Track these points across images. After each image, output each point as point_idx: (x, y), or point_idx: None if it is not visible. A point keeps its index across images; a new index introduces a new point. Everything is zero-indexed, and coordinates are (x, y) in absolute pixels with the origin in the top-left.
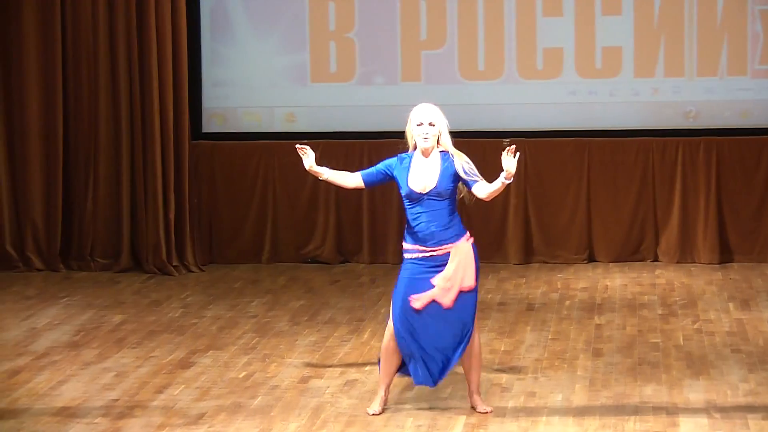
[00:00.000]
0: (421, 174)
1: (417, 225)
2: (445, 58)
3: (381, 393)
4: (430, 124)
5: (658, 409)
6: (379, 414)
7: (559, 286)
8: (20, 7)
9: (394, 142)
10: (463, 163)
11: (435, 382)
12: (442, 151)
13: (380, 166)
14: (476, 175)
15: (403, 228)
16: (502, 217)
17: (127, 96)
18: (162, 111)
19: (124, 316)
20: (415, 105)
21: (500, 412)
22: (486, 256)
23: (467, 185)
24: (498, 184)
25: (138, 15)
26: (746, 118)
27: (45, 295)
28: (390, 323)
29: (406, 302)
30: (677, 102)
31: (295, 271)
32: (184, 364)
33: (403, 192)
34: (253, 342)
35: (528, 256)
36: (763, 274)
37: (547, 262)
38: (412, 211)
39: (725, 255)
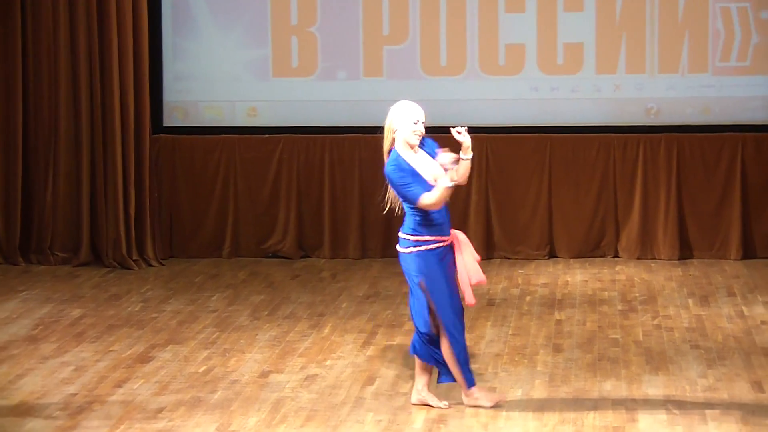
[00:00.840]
0: (425, 166)
1: (435, 214)
2: (408, 54)
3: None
4: (423, 123)
5: (617, 405)
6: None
7: (519, 282)
8: None
9: (355, 137)
10: (434, 145)
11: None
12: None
13: (409, 179)
14: None
15: (361, 223)
16: (463, 212)
17: (87, 89)
18: (123, 105)
19: (84, 310)
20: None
21: (460, 407)
22: None
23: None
24: (463, 163)
25: (99, 8)
26: (707, 115)
27: (3, 289)
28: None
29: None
30: (639, 98)
31: (255, 265)
32: (144, 359)
33: (423, 189)
34: (213, 336)
35: (489, 251)
36: (722, 271)
37: (508, 258)
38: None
39: (685, 251)
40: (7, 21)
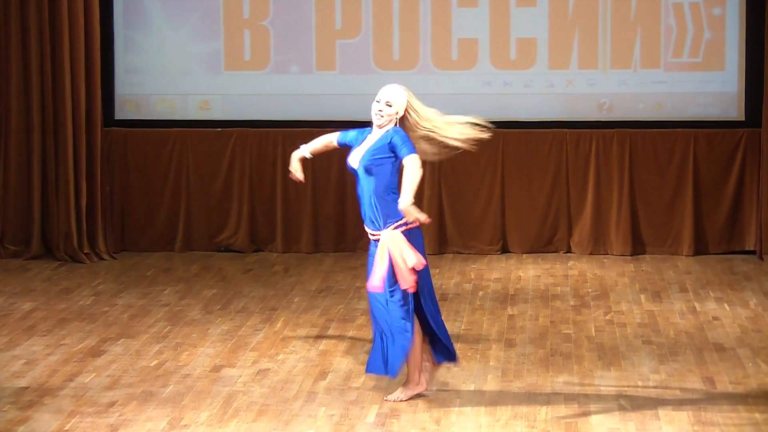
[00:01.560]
0: (361, 149)
1: (360, 203)
2: (360, 48)
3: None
4: (387, 104)
5: (569, 400)
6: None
7: (472, 277)
8: None
9: (308, 131)
10: (398, 136)
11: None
12: (392, 129)
13: (345, 133)
14: (410, 150)
15: (314, 217)
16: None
17: (38, 82)
18: (74, 97)
19: (35, 304)
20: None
21: (413, 402)
22: None
23: (398, 155)
24: (405, 191)
25: (50, 1)
26: (659, 110)
27: None
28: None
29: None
30: (591, 94)
31: (208, 259)
32: (95, 352)
33: (350, 167)
34: (165, 330)
35: (442, 246)
36: (674, 266)
37: (461, 253)
38: (359, 189)
39: (637, 247)
40: None
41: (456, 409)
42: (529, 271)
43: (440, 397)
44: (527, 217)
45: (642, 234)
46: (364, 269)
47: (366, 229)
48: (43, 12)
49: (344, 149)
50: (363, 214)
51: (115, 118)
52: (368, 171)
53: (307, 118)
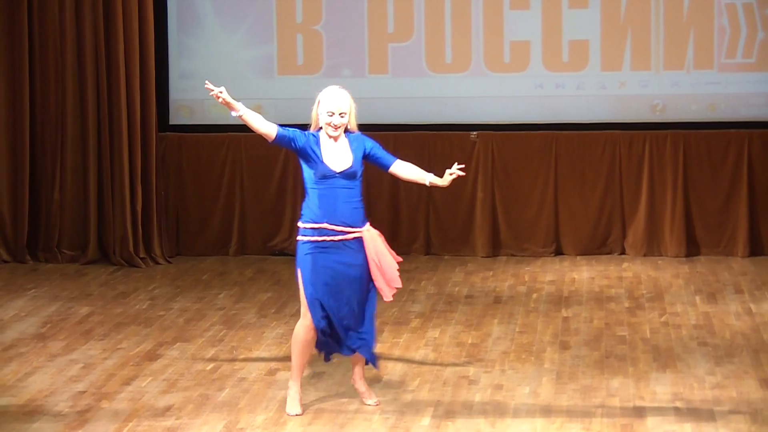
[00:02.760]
0: (334, 153)
1: (326, 206)
2: (412, 51)
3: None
4: (341, 115)
5: (625, 402)
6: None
7: (526, 279)
8: None
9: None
10: (372, 142)
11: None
12: (347, 132)
13: (295, 132)
14: (389, 154)
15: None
16: (469, 210)
17: (94, 88)
18: (129, 103)
19: (91, 308)
20: (331, 95)
21: (467, 405)
22: (453, 249)
23: (382, 162)
24: (425, 179)
25: (105, 7)
26: (713, 111)
27: (12, 287)
28: (306, 313)
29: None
30: (644, 95)
31: (262, 263)
32: (152, 356)
33: (316, 170)
34: (221, 334)
35: (495, 249)
36: (729, 267)
37: (515, 255)
38: (320, 192)
39: (692, 248)
40: (13, 20)
41: (511, 411)
42: (583, 273)
43: (495, 400)
44: (581, 219)
45: (696, 235)
46: (417, 272)
47: (330, 226)
48: (98, 19)
49: (287, 148)
50: (331, 215)
51: (170, 123)
52: (355, 176)
53: (359, 121)
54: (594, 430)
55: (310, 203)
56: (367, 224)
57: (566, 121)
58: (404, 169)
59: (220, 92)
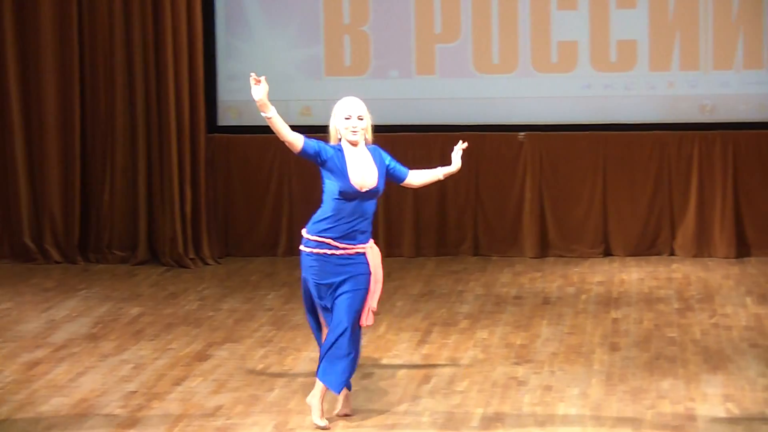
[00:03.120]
0: (360, 170)
1: (340, 221)
2: (460, 52)
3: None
4: (359, 118)
5: (675, 404)
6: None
7: (575, 280)
8: (37, 1)
9: (408, 136)
10: (390, 156)
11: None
12: (369, 146)
13: (320, 143)
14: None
15: (415, 221)
16: (517, 211)
17: (143, 89)
18: (177, 104)
19: (142, 309)
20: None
21: (517, 406)
22: (501, 250)
23: (398, 175)
24: (438, 175)
25: (154, 8)
26: (762, 111)
27: (63, 288)
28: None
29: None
30: (693, 96)
31: None
32: (201, 357)
33: (340, 185)
34: (270, 334)
35: (544, 250)
36: None
37: (563, 256)
38: (338, 206)
39: (742, 249)
40: (63, 23)
41: (561, 413)
42: (633, 274)
43: (545, 401)
44: (630, 220)
45: (747, 236)
46: (465, 273)
47: (341, 244)
48: (147, 21)
49: (311, 161)
50: (350, 231)
51: (218, 124)
52: (377, 195)
53: (406, 122)
54: None
55: (324, 215)
56: (371, 240)
57: (614, 121)
58: (418, 177)
59: (261, 80)
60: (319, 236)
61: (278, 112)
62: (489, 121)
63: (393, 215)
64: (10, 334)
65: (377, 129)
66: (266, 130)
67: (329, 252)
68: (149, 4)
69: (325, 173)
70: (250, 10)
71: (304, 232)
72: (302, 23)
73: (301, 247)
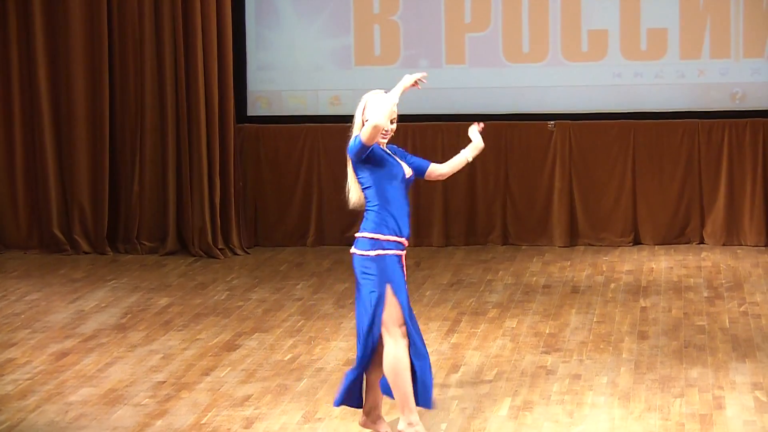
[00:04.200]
0: (401, 162)
1: (402, 214)
2: (490, 41)
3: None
4: (392, 121)
5: (704, 392)
6: None
7: (604, 269)
8: None
9: (438, 125)
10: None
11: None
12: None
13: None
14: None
15: (444, 211)
16: (546, 200)
17: (172, 80)
18: (207, 95)
19: (171, 299)
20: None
21: (545, 395)
22: (531, 239)
23: (421, 166)
24: (466, 156)
25: (183, 0)
26: None
27: (92, 278)
28: (398, 334)
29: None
30: (723, 84)
31: (340, 254)
32: (230, 347)
33: (390, 172)
34: (299, 324)
35: (573, 238)
36: None
37: (592, 245)
38: (392, 197)
39: None
40: (93, 14)
41: (589, 401)
42: (662, 263)
43: (573, 389)
44: (659, 208)
45: None
46: (494, 262)
47: (403, 241)
48: (177, 11)
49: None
50: (405, 226)
51: (248, 114)
52: (410, 185)
53: (436, 111)
54: (673, 420)
55: (388, 213)
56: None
57: (644, 110)
58: (442, 167)
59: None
60: (396, 237)
61: (308, 102)
62: (519, 110)
63: (422, 204)
64: (39, 324)
65: (407, 119)
66: (296, 119)
67: (401, 252)
68: None
69: (370, 167)
70: (280, 0)
71: (377, 235)
72: (332, 13)
73: (382, 252)
